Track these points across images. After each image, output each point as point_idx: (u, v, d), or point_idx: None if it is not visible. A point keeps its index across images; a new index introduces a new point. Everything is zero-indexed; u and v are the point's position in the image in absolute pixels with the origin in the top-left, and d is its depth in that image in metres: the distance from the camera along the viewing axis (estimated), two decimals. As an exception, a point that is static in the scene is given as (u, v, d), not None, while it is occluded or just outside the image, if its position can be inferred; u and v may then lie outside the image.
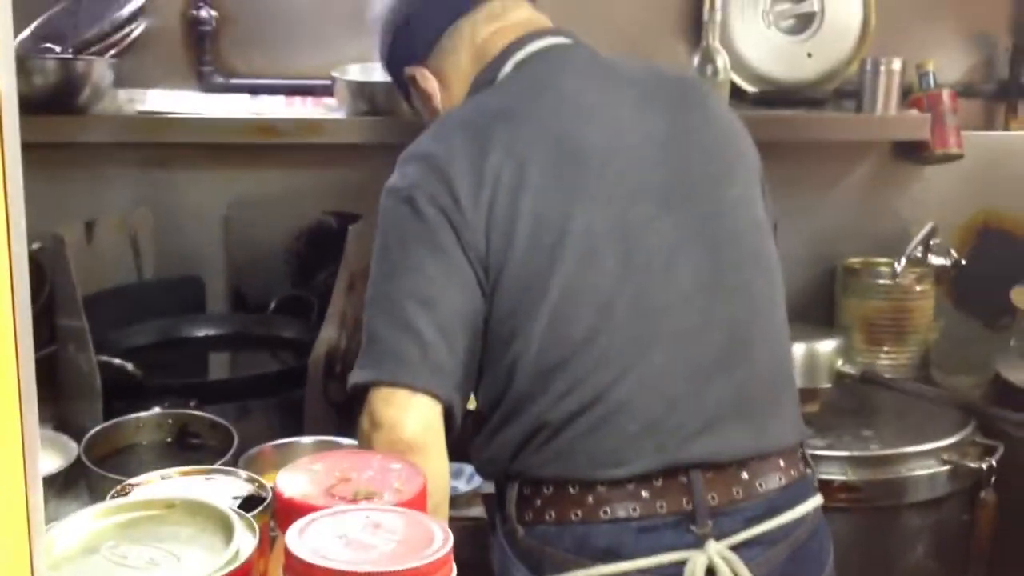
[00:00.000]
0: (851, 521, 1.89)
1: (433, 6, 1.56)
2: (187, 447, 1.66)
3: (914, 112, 2.34)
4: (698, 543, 1.32)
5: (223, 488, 0.79)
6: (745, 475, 1.35)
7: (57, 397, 1.83)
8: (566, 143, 1.38)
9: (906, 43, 2.36)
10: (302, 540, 0.64)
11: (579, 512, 1.33)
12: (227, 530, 0.65)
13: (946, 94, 2.34)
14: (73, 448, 1.58)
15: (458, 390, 1.34)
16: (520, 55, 1.49)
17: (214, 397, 1.78)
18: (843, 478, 1.89)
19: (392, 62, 1.64)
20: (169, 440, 1.67)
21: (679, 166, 1.41)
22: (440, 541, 0.66)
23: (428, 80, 1.57)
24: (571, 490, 1.34)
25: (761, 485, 1.36)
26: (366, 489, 0.76)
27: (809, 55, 2.35)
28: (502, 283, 1.34)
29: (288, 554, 0.63)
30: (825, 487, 1.83)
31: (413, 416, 1.29)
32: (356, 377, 1.34)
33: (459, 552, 1.48)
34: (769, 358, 1.42)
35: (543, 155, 1.36)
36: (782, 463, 1.39)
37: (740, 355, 1.38)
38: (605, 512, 1.32)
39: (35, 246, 1.95)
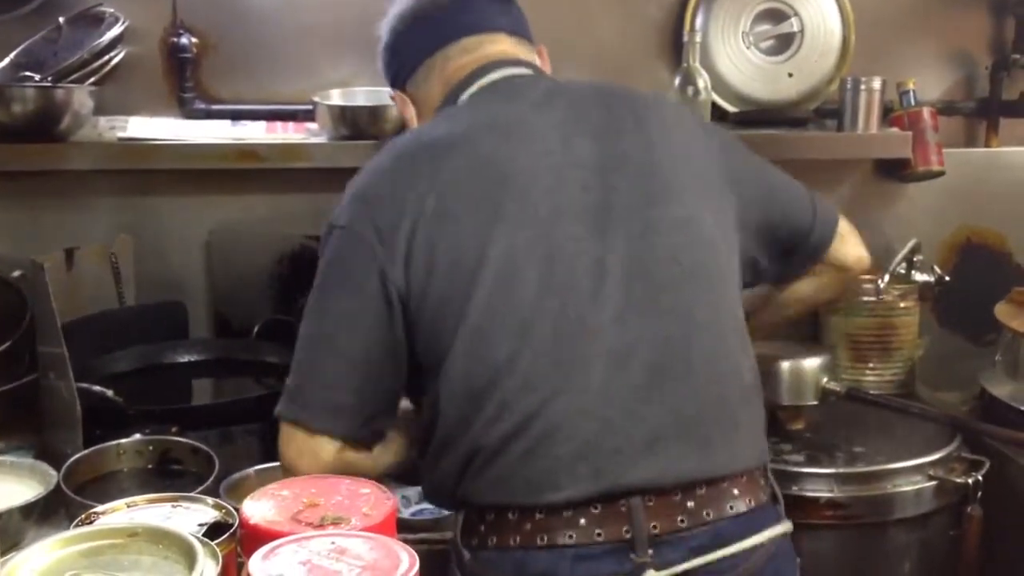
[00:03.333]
0: (837, 538, 1.89)
1: (415, 37, 1.61)
2: (168, 473, 1.66)
3: (895, 130, 2.34)
4: (636, 572, 1.30)
5: (189, 515, 0.79)
6: (691, 504, 1.33)
7: (38, 425, 1.83)
8: (490, 168, 1.40)
9: (886, 62, 2.38)
10: (265, 566, 0.64)
11: (518, 538, 1.33)
12: (190, 558, 0.65)
13: (927, 112, 2.34)
14: (53, 476, 1.57)
15: (362, 422, 1.42)
16: (475, 87, 1.53)
17: (196, 423, 1.77)
18: (829, 495, 1.88)
19: (385, 79, 1.70)
20: (150, 466, 1.67)
21: (612, 187, 1.41)
22: (406, 566, 0.65)
23: (406, 105, 1.64)
24: (511, 516, 1.34)
25: (708, 514, 1.34)
26: (334, 514, 0.76)
27: (790, 75, 2.36)
28: (424, 311, 1.37)
29: (250, 581, 0.63)
30: (811, 504, 1.85)
31: (306, 461, 1.37)
32: (277, 407, 1.45)
33: (432, 575, 1.47)
34: (715, 377, 1.39)
35: (467, 182, 1.40)
36: (736, 491, 1.37)
37: (678, 375, 1.36)
38: (542, 539, 1.32)
39: (16, 274, 1.94)
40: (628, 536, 1.31)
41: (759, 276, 1.64)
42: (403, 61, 1.62)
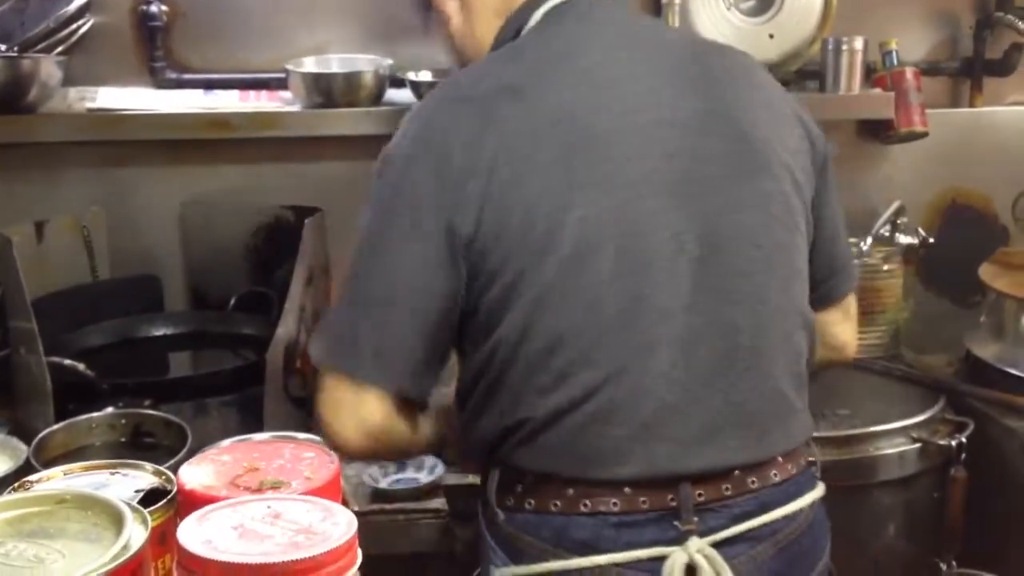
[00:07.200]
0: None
1: None
2: (141, 447, 1.63)
3: (878, 91, 2.31)
4: (680, 539, 1.27)
5: (127, 482, 0.77)
6: (737, 472, 1.30)
7: (12, 401, 1.81)
8: (573, 126, 1.29)
9: (868, 22, 2.34)
10: (195, 531, 0.62)
11: (559, 503, 1.29)
12: (118, 524, 0.63)
13: (909, 72, 2.31)
14: (23, 451, 1.55)
15: (415, 377, 1.31)
16: (547, 5, 1.39)
17: (170, 396, 1.76)
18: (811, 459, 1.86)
19: None
20: (123, 440, 1.65)
21: (699, 154, 1.31)
22: (342, 530, 0.63)
23: (447, 2, 1.48)
24: (553, 482, 1.30)
25: (754, 482, 1.31)
26: (273, 479, 0.74)
27: (771, 36, 2.32)
28: (488, 269, 1.27)
29: (178, 546, 0.61)
30: (794, 469, 1.84)
31: (357, 429, 1.29)
32: (312, 351, 1.33)
33: (420, 545, 1.45)
34: (778, 368, 1.34)
35: (546, 140, 1.28)
36: (780, 459, 1.34)
37: (745, 364, 1.31)
38: (585, 505, 1.28)
39: (-14, 249, 1.92)
40: (673, 504, 1.27)
41: None
42: None
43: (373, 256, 1.30)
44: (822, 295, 1.48)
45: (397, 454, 1.37)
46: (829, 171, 1.46)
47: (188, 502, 0.71)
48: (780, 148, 1.36)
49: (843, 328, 1.55)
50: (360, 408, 1.29)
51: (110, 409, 1.67)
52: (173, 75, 2.12)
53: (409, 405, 1.34)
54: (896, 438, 1.92)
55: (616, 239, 1.26)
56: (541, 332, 1.27)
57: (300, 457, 0.77)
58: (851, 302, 1.56)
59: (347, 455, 1.30)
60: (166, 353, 2.08)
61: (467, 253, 1.27)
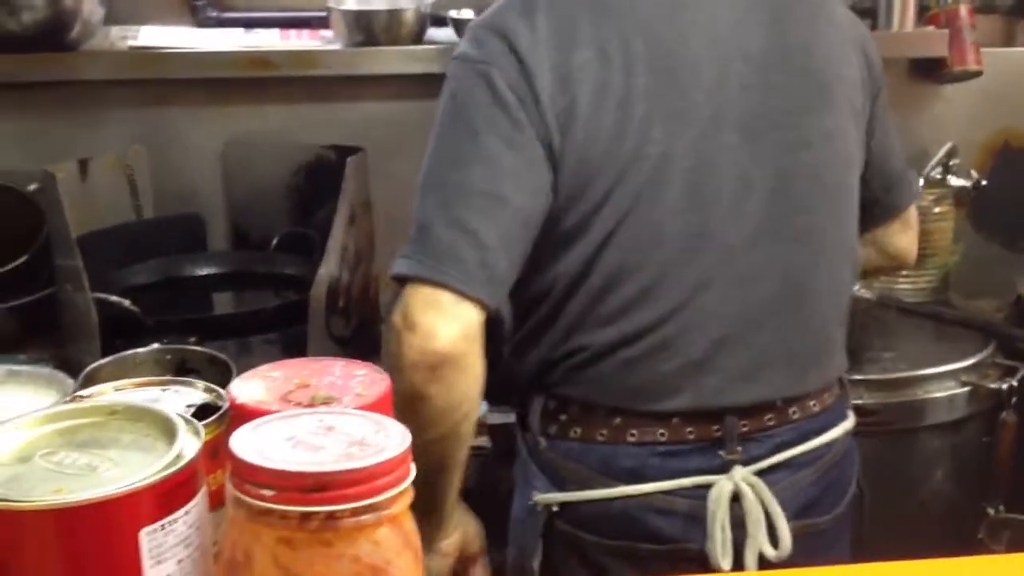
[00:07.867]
0: (868, 445, 1.81)
1: None
2: (186, 383, 1.64)
3: (931, 29, 2.26)
4: (724, 468, 1.30)
5: (179, 398, 0.77)
6: (779, 403, 1.33)
7: (59, 339, 1.82)
8: (661, 49, 1.25)
9: (922, -43, 2.28)
10: (248, 442, 0.62)
11: (605, 432, 1.31)
12: (170, 435, 0.63)
13: (964, 10, 2.26)
14: (70, 384, 1.56)
15: (506, 299, 1.26)
16: None
17: (215, 333, 1.75)
18: (860, 402, 1.84)
19: None
20: (168, 376, 1.65)
21: (773, 88, 1.29)
22: (396, 442, 0.63)
23: None
24: (599, 411, 1.31)
25: (795, 412, 1.34)
26: (325, 394, 0.73)
27: (821, -28, 2.27)
28: (569, 194, 1.25)
29: (232, 455, 0.60)
30: (842, 411, 1.82)
31: (453, 325, 1.18)
32: (400, 267, 1.22)
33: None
34: (826, 306, 1.36)
35: (633, 60, 1.24)
36: (818, 391, 1.37)
37: (795, 304, 1.32)
38: (632, 435, 1.30)
39: (32, 187, 1.92)
40: (718, 435, 1.30)
41: None
42: None
43: (467, 168, 1.22)
44: (882, 210, 1.51)
45: (467, 380, 1.22)
46: (883, 96, 1.45)
47: (240, 416, 0.71)
48: (844, 82, 1.35)
49: (901, 237, 1.57)
50: (460, 309, 1.19)
51: (155, 345, 1.68)
52: (214, 13, 2.11)
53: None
54: (946, 381, 1.89)
55: (686, 174, 1.25)
56: (603, 267, 1.26)
57: (351, 374, 0.76)
58: (911, 213, 1.57)
59: (429, 357, 1.18)
60: (208, 292, 2.09)
61: (555, 170, 1.24)
